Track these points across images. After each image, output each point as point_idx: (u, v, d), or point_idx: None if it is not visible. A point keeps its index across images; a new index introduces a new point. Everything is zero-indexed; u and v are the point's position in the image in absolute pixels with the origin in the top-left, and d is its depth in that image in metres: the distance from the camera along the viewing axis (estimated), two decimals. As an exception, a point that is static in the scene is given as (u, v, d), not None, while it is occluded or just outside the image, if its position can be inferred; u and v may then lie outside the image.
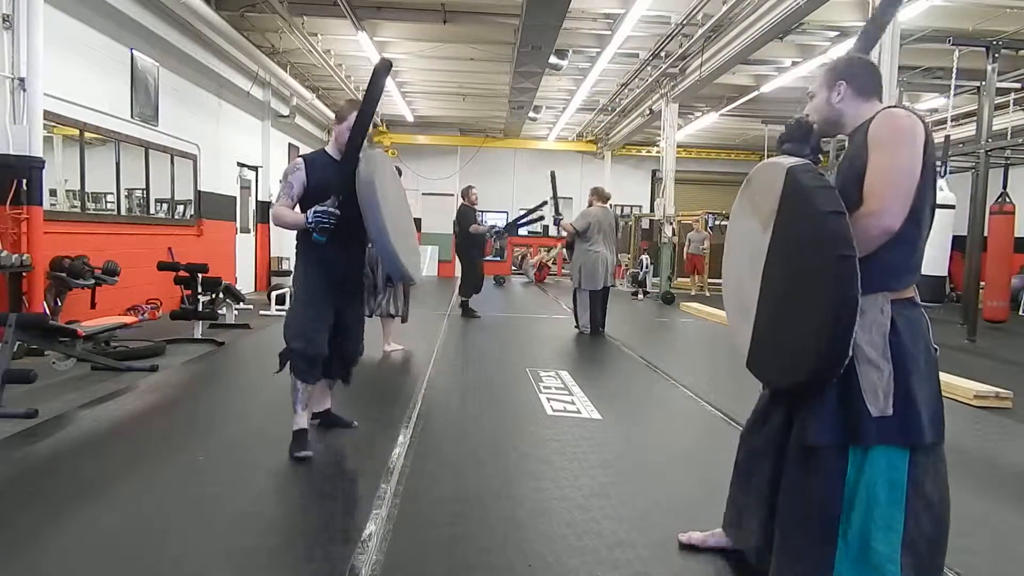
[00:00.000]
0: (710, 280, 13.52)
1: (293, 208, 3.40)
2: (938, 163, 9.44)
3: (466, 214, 9.13)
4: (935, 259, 8.50)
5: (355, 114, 3.33)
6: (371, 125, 3.50)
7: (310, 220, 3.23)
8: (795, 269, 1.92)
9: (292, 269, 13.48)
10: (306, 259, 3.51)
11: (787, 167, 1.90)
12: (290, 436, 3.46)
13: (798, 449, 1.99)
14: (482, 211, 19.85)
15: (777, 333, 2.00)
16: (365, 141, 3.35)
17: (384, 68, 3.31)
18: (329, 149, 3.53)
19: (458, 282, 9.67)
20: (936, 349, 1.97)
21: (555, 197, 7.91)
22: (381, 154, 3.76)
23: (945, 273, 8.60)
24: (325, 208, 3.22)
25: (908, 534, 1.88)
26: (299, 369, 3.46)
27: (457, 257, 9.58)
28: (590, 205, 7.95)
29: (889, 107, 1.94)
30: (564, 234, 8.55)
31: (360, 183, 3.24)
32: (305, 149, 15.63)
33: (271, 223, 3.77)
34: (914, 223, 1.87)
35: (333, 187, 3.27)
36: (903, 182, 1.82)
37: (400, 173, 4.31)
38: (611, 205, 8.33)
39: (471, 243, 9.24)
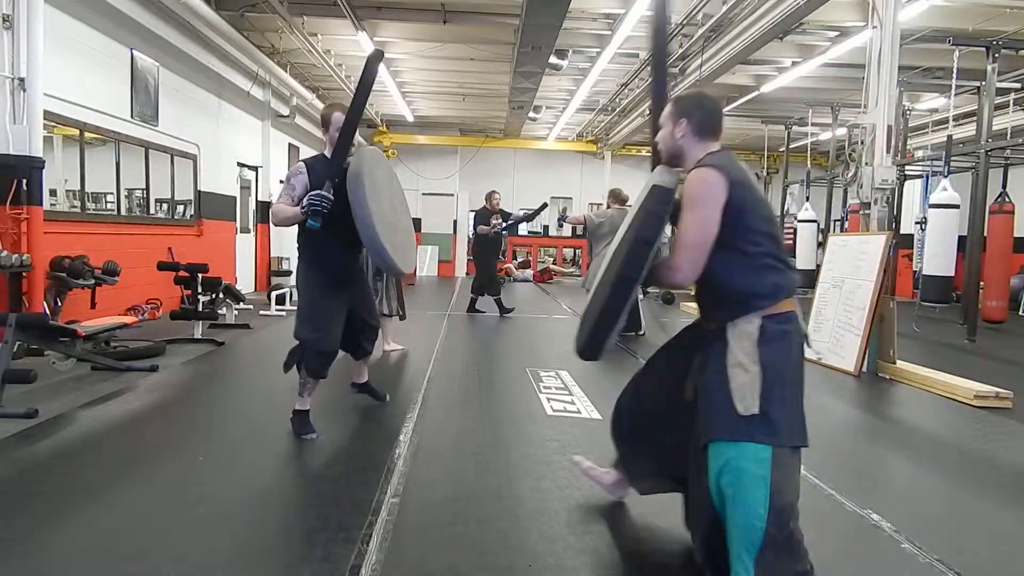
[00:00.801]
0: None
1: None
2: (938, 169, 9.36)
3: (482, 216, 9.28)
4: (941, 260, 8.46)
5: (338, 114, 3.57)
6: (360, 117, 3.60)
7: (303, 205, 3.36)
8: (606, 272, 2.30)
9: (290, 268, 13.42)
10: (307, 262, 3.67)
11: (653, 183, 2.20)
12: (286, 435, 3.46)
13: (695, 451, 2.19)
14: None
15: (584, 316, 2.42)
16: (356, 138, 3.58)
17: (376, 57, 3.50)
18: (328, 153, 3.65)
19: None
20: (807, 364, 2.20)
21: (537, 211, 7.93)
22: (374, 151, 3.88)
23: (952, 273, 8.54)
24: (319, 192, 3.35)
25: (767, 532, 2.01)
26: (311, 367, 3.69)
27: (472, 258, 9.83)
28: (607, 207, 7.94)
29: (699, 165, 2.16)
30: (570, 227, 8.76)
31: (349, 176, 3.37)
32: (305, 149, 15.64)
33: (271, 222, 4.04)
34: (752, 258, 2.10)
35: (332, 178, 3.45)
36: (695, 244, 2.09)
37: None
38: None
39: (481, 244, 9.40)
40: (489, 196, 9.30)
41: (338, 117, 3.60)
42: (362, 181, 3.32)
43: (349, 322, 3.81)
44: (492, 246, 9.46)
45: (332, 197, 3.35)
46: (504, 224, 9.28)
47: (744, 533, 2.04)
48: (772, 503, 2.02)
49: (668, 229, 2.26)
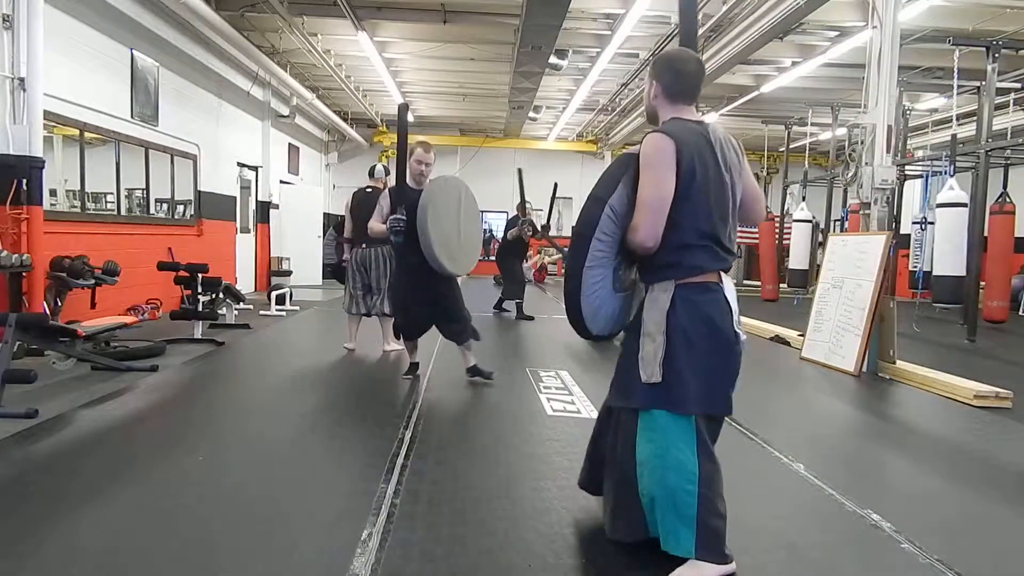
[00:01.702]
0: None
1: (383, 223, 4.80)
2: (938, 169, 9.34)
3: (512, 223, 9.35)
4: (952, 260, 8.41)
5: (419, 150, 4.83)
6: (407, 155, 4.76)
7: (389, 227, 4.62)
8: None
9: (290, 268, 13.43)
10: (399, 258, 4.96)
11: (627, 152, 2.27)
12: (287, 436, 3.46)
13: (606, 412, 2.40)
14: (483, 211, 19.87)
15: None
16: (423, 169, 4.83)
17: (404, 108, 4.85)
18: (410, 182, 4.78)
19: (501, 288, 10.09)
20: (736, 334, 2.19)
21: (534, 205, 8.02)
22: (443, 180, 4.83)
23: (964, 273, 8.47)
24: (396, 216, 4.60)
25: (701, 495, 2.12)
26: (403, 335, 5.13)
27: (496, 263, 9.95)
28: None
29: (654, 130, 2.20)
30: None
31: (420, 203, 4.45)
32: (305, 149, 15.66)
33: (370, 232, 5.19)
34: (676, 229, 2.14)
35: (405, 204, 4.60)
36: (651, 206, 2.12)
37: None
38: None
39: (507, 250, 9.48)
40: (521, 206, 9.21)
41: (420, 153, 4.81)
42: (425, 209, 4.40)
43: (437, 316, 4.95)
44: (513, 250, 9.44)
45: (404, 219, 4.54)
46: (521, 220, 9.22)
47: (674, 500, 2.13)
48: (701, 470, 2.10)
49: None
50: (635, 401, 2.20)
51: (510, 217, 9.68)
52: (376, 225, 4.86)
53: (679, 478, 2.15)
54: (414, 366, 5.28)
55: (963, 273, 8.39)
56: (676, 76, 2.23)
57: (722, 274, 2.23)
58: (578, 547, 2.52)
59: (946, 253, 8.43)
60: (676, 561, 2.28)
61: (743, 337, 2.24)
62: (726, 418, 2.35)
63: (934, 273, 8.79)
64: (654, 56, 10.47)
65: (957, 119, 9.87)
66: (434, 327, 5.09)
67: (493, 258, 19.25)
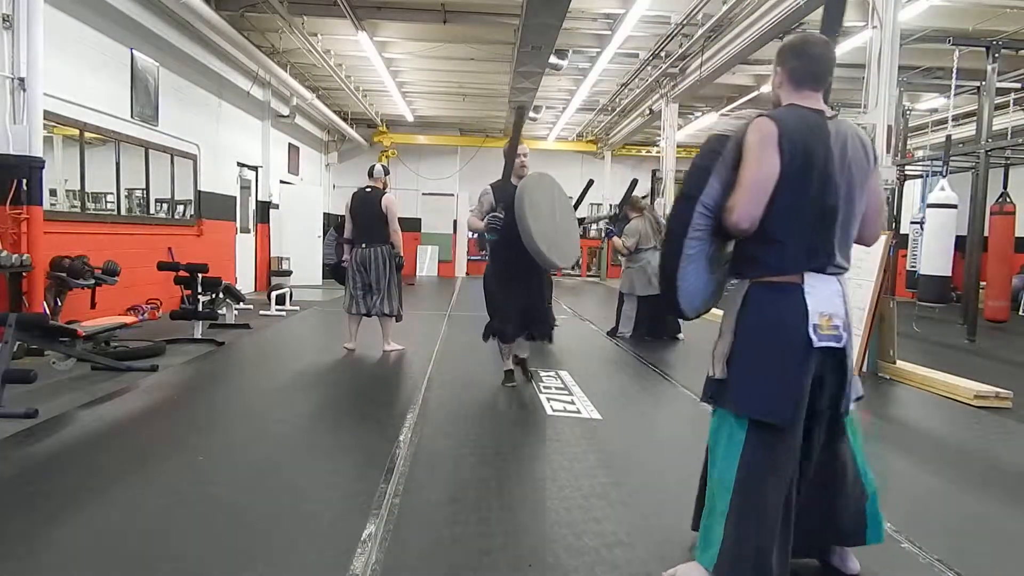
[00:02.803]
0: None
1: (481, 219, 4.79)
2: (937, 169, 9.34)
3: None
4: (938, 260, 8.48)
5: (522, 146, 4.83)
6: (514, 157, 4.75)
7: (486, 223, 4.69)
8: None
9: (290, 268, 13.31)
10: (493, 258, 4.90)
11: (714, 135, 2.17)
12: (288, 436, 3.45)
13: None
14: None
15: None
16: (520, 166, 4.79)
17: (523, 109, 5.07)
18: (513, 180, 4.74)
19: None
20: (808, 339, 2.06)
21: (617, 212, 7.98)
22: (535, 177, 4.75)
23: (949, 273, 8.57)
24: (494, 214, 4.68)
25: (733, 499, 2.06)
26: (499, 335, 4.95)
27: None
28: (625, 216, 7.94)
29: (761, 114, 2.09)
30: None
31: (515, 201, 4.42)
32: (306, 149, 15.66)
33: (468, 227, 5.14)
34: (778, 223, 2.05)
35: (504, 201, 4.61)
36: (750, 187, 2.03)
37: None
38: (610, 206, 8.34)
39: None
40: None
41: (521, 149, 4.80)
42: (522, 199, 4.38)
43: (526, 310, 4.88)
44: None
45: (502, 216, 4.59)
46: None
47: (715, 493, 2.10)
48: (739, 473, 2.05)
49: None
50: (704, 394, 2.23)
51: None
52: (474, 221, 4.83)
53: (720, 478, 2.12)
54: (510, 373, 5.11)
55: (948, 273, 8.48)
56: (801, 60, 2.09)
57: (815, 274, 2.09)
58: (578, 547, 2.52)
59: (933, 253, 8.49)
60: (681, 558, 2.28)
61: (837, 344, 2.11)
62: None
63: (920, 272, 8.84)
64: (654, 55, 10.51)
65: (957, 119, 9.88)
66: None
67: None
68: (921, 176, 11.17)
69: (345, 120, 16.23)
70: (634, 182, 8.58)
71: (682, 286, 2.18)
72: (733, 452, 2.08)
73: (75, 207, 7.14)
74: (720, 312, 2.31)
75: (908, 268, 11.34)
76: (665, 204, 12.27)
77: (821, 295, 2.08)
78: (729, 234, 2.16)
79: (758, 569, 2.00)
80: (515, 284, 4.78)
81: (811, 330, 2.04)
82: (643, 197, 8.19)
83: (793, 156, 2.00)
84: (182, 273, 7.22)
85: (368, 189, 6.25)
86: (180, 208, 9.25)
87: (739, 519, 2.04)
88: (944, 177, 8.44)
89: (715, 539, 2.07)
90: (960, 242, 9.25)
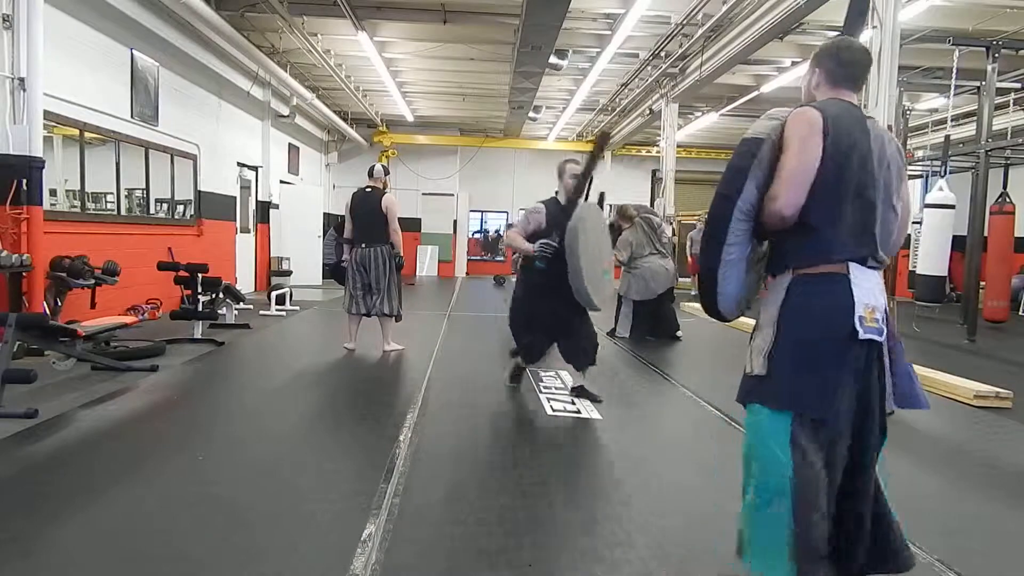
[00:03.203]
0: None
1: (525, 238, 4.45)
2: (937, 169, 9.34)
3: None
4: (935, 260, 8.49)
5: (572, 165, 4.49)
6: (584, 185, 4.41)
7: (536, 249, 4.31)
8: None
9: (290, 268, 13.29)
10: (526, 282, 4.65)
11: (748, 138, 2.19)
12: (286, 436, 3.45)
13: None
14: (483, 211, 19.80)
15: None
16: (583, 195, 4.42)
17: (604, 138, 4.67)
18: (561, 199, 4.49)
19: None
20: (854, 330, 1.97)
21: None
22: (586, 207, 4.42)
23: (944, 273, 8.58)
24: (547, 241, 4.30)
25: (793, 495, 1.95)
26: (523, 358, 4.81)
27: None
28: (616, 227, 7.83)
29: (801, 106, 2.10)
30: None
31: (568, 231, 4.16)
32: (305, 149, 15.65)
33: (505, 243, 4.37)
34: (821, 211, 2.00)
35: (558, 227, 4.28)
36: (794, 176, 2.00)
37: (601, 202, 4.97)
38: (610, 207, 8.25)
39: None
40: None
41: (571, 168, 4.45)
42: (576, 240, 4.11)
43: (562, 335, 4.61)
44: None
45: (556, 246, 4.23)
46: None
47: (759, 500, 1.98)
48: (787, 475, 1.93)
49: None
50: (740, 393, 2.10)
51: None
52: (519, 241, 4.44)
53: (764, 483, 1.98)
54: (518, 373, 4.97)
55: (944, 273, 8.48)
56: (840, 61, 2.14)
57: (858, 266, 2.02)
58: (578, 547, 2.52)
59: (930, 253, 8.50)
60: (681, 558, 2.28)
61: (879, 337, 2.00)
62: (726, 416, 2.32)
63: (917, 271, 8.85)
64: (654, 55, 10.51)
65: (957, 119, 9.88)
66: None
67: (500, 258, 19.22)
68: (921, 176, 11.17)
69: (345, 120, 16.23)
70: (601, 195, 8.50)
71: (723, 291, 2.14)
72: (777, 453, 1.97)
73: (75, 207, 7.14)
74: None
75: (911, 268, 11.36)
76: (665, 204, 12.27)
77: (865, 286, 2.01)
78: (766, 233, 2.12)
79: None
80: (550, 306, 4.47)
81: (857, 321, 1.98)
82: (636, 204, 8.09)
83: (837, 142, 1.98)
84: (182, 273, 7.22)
85: (368, 189, 6.25)
86: (180, 208, 9.25)
87: (794, 524, 1.93)
88: (943, 177, 8.44)
89: (766, 545, 1.98)
90: (959, 242, 9.26)
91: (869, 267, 2.04)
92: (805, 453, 1.95)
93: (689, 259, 14.17)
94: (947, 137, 8.85)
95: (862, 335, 1.97)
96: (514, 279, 17.28)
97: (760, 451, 2.02)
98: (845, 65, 2.13)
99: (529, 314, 4.61)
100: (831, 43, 2.21)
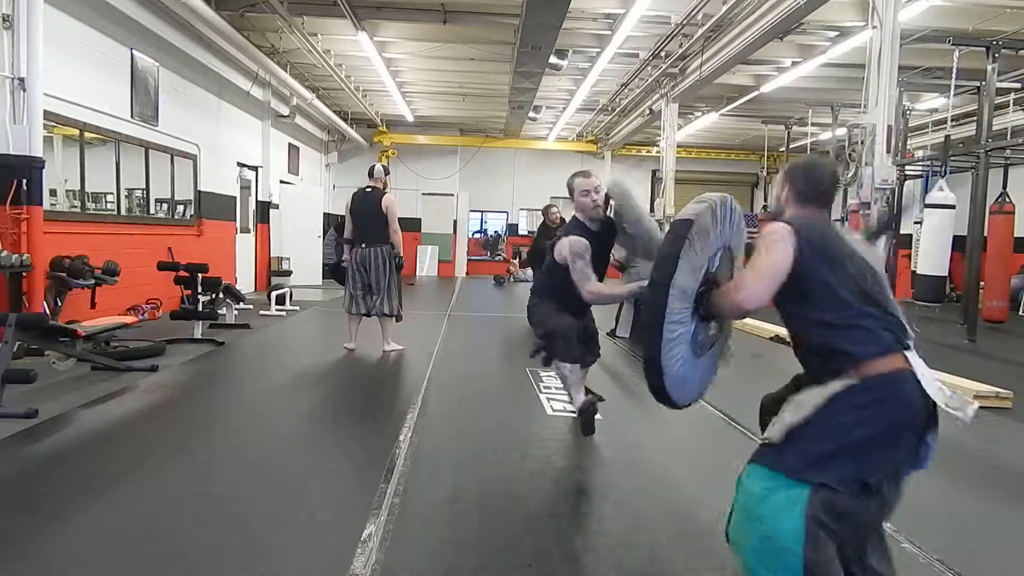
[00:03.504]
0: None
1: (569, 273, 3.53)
2: (937, 169, 9.32)
3: (542, 232, 8.79)
4: (935, 260, 8.50)
5: (580, 179, 3.69)
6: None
7: (637, 290, 3.25)
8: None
9: (290, 268, 13.21)
10: (546, 297, 3.83)
11: (679, 219, 2.17)
12: (288, 436, 3.46)
13: None
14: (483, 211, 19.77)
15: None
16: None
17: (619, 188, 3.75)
18: (581, 218, 3.72)
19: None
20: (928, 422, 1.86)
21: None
22: (630, 209, 3.70)
23: (945, 273, 8.59)
24: (638, 276, 3.51)
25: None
26: (568, 355, 3.69)
27: (531, 268, 9.41)
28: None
29: (777, 222, 2.08)
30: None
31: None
32: (305, 149, 15.63)
33: (588, 294, 3.58)
34: (847, 304, 1.92)
35: (630, 247, 3.74)
36: (763, 271, 1.99)
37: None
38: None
39: (541, 252, 9.13)
40: (547, 211, 8.84)
41: (581, 182, 3.67)
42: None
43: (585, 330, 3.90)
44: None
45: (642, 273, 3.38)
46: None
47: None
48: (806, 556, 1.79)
49: None
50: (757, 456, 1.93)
51: (540, 226, 9.14)
52: (613, 288, 3.61)
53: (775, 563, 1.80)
54: (589, 416, 3.70)
55: (944, 273, 8.49)
56: (808, 184, 2.15)
57: (910, 352, 1.89)
58: (578, 547, 2.52)
59: (930, 253, 8.51)
60: (681, 558, 2.28)
61: (962, 415, 1.86)
62: (727, 417, 2.32)
63: (917, 271, 8.85)
64: (654, 55, 10.51)
65: (957, 119, 9.88)
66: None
67: (499, 257, 19.18)
68: (921, 176, 11.17)
69: (345, 120, 16.23)
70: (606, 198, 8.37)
71: (669, 374, 2.15)
72: (791, 528, 1.79)
73: (75, 207, 7.14)
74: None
75: (911, 268, 11.37)
76: (665, 205, 12.27)
77: (923, 370, 1.89)
78: (712, 316, 2.18)
79: None
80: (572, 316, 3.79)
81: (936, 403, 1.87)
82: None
83: (820, 241, 1.98)
84: (182, 273, 7.22)
85: (368, 189, 6.25)
86: (180, 208, 9.25)
87: None
88: (943, 177, 8.44)
89: None
90: (959, 242, 9.26)
91: (913, 348, 1.93)
92: (823, 534, 1.81)
93: None
94: (947, 137, 8.86)
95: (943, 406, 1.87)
96: (514, 279, 17.04)
97: (764, 528, 1.84)
98: (815, 185, 2.15)
99: (556, 316, 3.77)
100: (802, 161, 2.26)
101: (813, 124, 13.36)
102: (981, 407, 4.97)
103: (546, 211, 8.95)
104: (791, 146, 14.46)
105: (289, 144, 14.28)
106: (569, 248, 3.51)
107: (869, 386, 1.85)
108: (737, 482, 1.93)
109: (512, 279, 16.17)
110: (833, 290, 1.95)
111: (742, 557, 1.89)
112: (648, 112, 13.37)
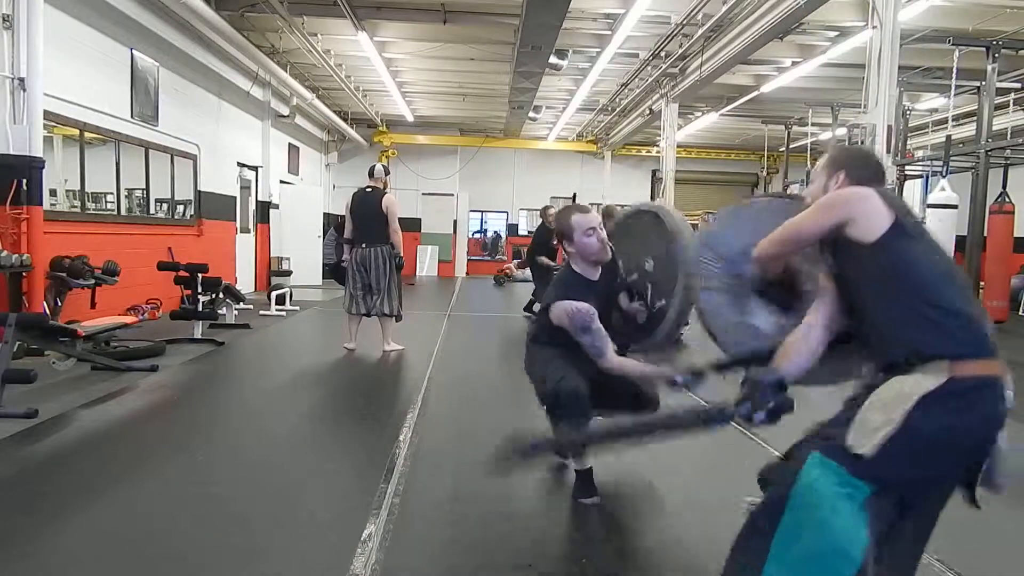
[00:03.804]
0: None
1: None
2: (937, 169, 9.31)
3: (540, 234, 8.85)
4: None
5: (577, 217, 2.92)
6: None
7: (682, 380, 2.54)
8: None
9: (290, 268, 13.14)
10: (551, 355, 2.98)
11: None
12: (287, 436, 3.46)
13: None
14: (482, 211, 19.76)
15: None
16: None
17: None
18: (576, 267, 2.95)
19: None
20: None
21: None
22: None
23: None
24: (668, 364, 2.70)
25: None
26: (569, 418, 2.76)
27: (529, 268, 9.39)
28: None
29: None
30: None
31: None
32: (305, 149, 15.63)
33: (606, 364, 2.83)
34: (938, 285, 1.72)
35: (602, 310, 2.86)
36: (785, 231, 1.88)
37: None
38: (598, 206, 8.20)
39: (541, 252, 8.94)
40: (545, 212, 8.86)
41: (579, 220, 2.91)
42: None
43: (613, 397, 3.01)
44: (550, 253, 9.21)
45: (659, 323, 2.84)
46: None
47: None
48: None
49: None
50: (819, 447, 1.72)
51: (538, 227, 9.21)
52: (644, 369, 2.87)
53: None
54: (587, 482, 2.94)
55: None
56: (864, 162, 1.99)
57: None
58: (577, 547, 2.52)
59: None
60: (681, 557, 2.28)
61: None
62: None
63: None
64: (654, 55, 10.51)
65: (957, 119, 9.88)
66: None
67: (500, 257, 19.16)
68: (921, 176, 11.18)
69: (345, 120, 16.23)
70: (574, 195, 8.38)
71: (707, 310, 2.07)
72: (851, 527, 1.64)
73: (75, 207, 7.14)
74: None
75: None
76: (664, 205, 12.28)
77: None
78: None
79: None
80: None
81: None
82: (621, 205, 8.00)
83: (904, 209, 1.81)
84: (182, 273, 7.22)
85: (368, 189, 6.25)
86: (180, 208, 9.25)
87: None
88: (945, 177, 8.44)
89: None
90: (959, 242, 9.26)
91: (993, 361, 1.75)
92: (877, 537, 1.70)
93: None
94: (948, 137, 8.86)
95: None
96: (512, 279, 16.91)
97: (814, 524, 1.66)
98: (869, 165, 1.99)
99: (552, 363, 2.94)
100: (853, 150, 2.18)
101: (813, 124, 13.37)
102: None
103: (544, 212, 8.96)
104: (791, 146, 14.46)
105: (289, 144, 14.28)
106: (570, 322, 2.81)
107: (961, 389, 1.66)
108: (796, 473, 1.70)
109: (510, 279, 16.08)
110: (937, 264, 1.75)
111: (779, 551, 1.66)
112: (648, 112, 13.37)
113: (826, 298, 1.90)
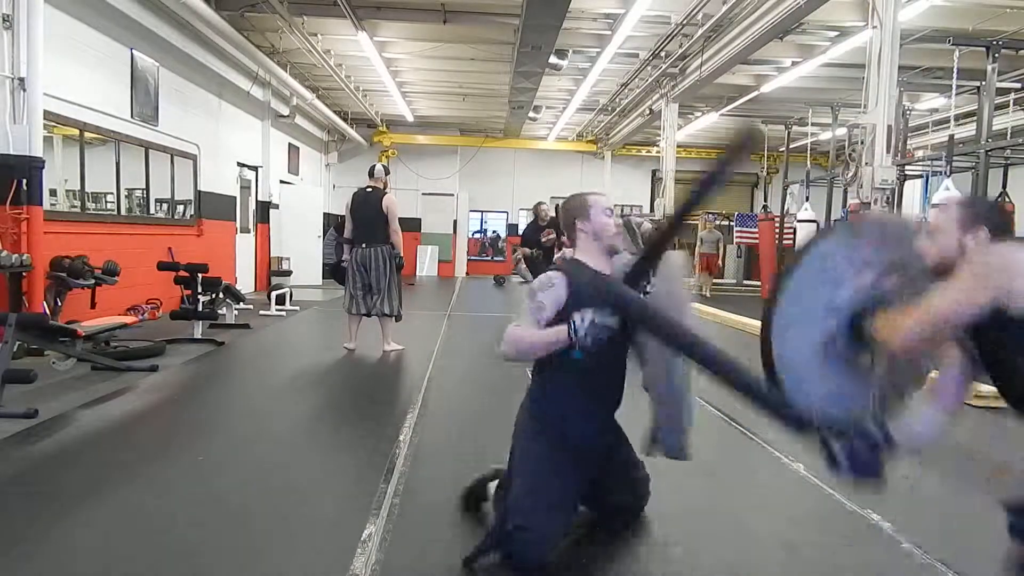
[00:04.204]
0: (716, 281, 13.61)
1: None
2: (938, 169, 9.32)
3: (532, 230, 8.86)
4: None
5: (594, 196, 2.60)
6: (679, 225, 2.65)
7: (578, 329, 2.18)
8: None
9: (290, 268, 13.25)
10: (537, 415, 2.70)
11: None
12: (288, 436, 3.46)
13: None
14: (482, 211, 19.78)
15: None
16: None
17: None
18: (584, 257, 2.53)
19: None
20: None
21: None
22: (673, 265, 2.61)
23: None
24: (604, 319, 2.20)
25: None
26: (518, 558, 2.29)
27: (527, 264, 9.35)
28: None
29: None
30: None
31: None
32: (305, 149, 15.62)
33: (506, 354, 2.57)
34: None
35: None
36: (941, 309, 1.75)
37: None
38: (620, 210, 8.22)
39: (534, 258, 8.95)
40: (537, 208, 8.83)
41: (597, 199, 2.59)
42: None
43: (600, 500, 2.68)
44: (550, 252, 9.23)
45: (615, 327, 2.24)
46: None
47: None
48: None
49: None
50: None
51: (530, 224, 9.17)
52: (530, 335, 2.44)
53: None
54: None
55: None
56: (998, 214, 1.90)
57: None
58: (577, 547, 2.51)
59: None
60: (681, 557, 2.27)
61: None
62: (728, 417, 2.28)
63: None
64: (654, 55, 10.50)
65: (957, 119, 9.88)
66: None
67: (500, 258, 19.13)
68: (921, 176, 11.17)
69: (345, 120, 16.23)
70: (537, 205, 8.51)
71: (778, 343, 1.91)
72: None
73: (75, 207, 7.14)
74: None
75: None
76: (665, 205, 12.27)
77: None
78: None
79: None
80: (580, 467, 2.53)
81: None
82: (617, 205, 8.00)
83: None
84: (182, 273, 7.22)
85: (368, 189, 6.25)
86: (180, 208, 9.25)
87: None
88: (947, 177, 8.43)
89: None
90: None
91: None
92: None
93: (696, 259, 14.22)
94: (951, 137, 8.85)
95: None
96: (513, 278, 16.88)
97: None
98: (1002, 214, 1.93)
99: (543, 478, 2.42)
100: (985, 201, 2.07)
101: (813, 124, 13.37)
102: (981, 407, 4.99)
103: (536, 208, 8.97)
104: (791, 146, 14.46)
105: (289, 144, 14.28)
106: (534, 284, 2.47)
107: None
108: None
109: (515, 270, 15.91)
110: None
111: None
112: (648, 112, 13.38)
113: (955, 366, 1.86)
